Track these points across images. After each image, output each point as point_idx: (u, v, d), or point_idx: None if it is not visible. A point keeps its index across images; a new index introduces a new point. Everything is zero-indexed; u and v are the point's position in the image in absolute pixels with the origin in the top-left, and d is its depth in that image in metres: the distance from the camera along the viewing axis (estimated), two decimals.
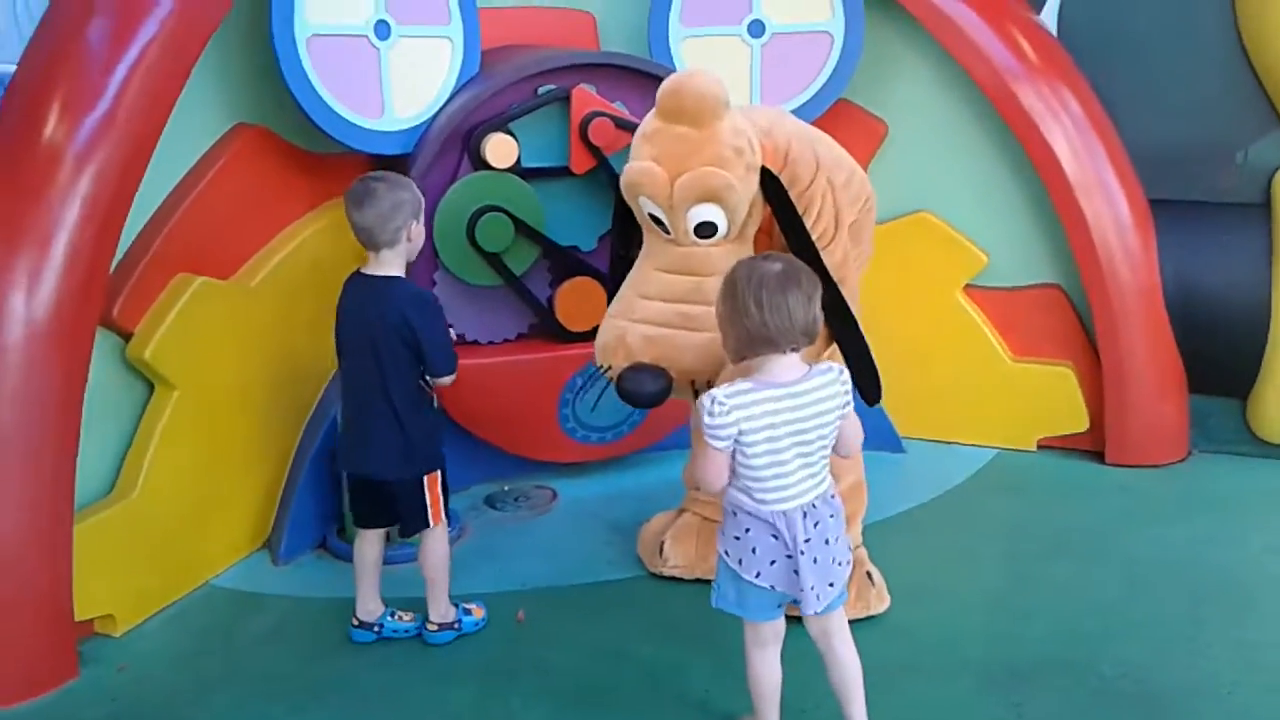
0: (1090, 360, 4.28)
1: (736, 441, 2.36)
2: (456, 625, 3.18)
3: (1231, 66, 4.10)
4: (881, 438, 4.27)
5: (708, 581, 2.59)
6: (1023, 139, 4.13)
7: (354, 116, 3.57)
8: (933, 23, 4.13)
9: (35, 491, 2.87)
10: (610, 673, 3.01)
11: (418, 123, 3.69)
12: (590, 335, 3.16)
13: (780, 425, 2.36)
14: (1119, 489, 4.08)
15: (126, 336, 3.22)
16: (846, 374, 2.47)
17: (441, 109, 3.69)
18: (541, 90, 3.72)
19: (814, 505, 2.43)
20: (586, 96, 3.72)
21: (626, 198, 2.99)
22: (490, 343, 3.91)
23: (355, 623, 3.18)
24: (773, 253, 2.61)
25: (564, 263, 3.87)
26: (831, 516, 2.47)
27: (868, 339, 2.92)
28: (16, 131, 2.96)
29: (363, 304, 3.03)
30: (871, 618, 3.16)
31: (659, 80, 2.99)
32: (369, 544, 3.18)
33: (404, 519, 3.14)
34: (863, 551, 3.30)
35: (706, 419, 2.36)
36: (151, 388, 3.31)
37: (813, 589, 2.42)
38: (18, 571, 2.85)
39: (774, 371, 2.39)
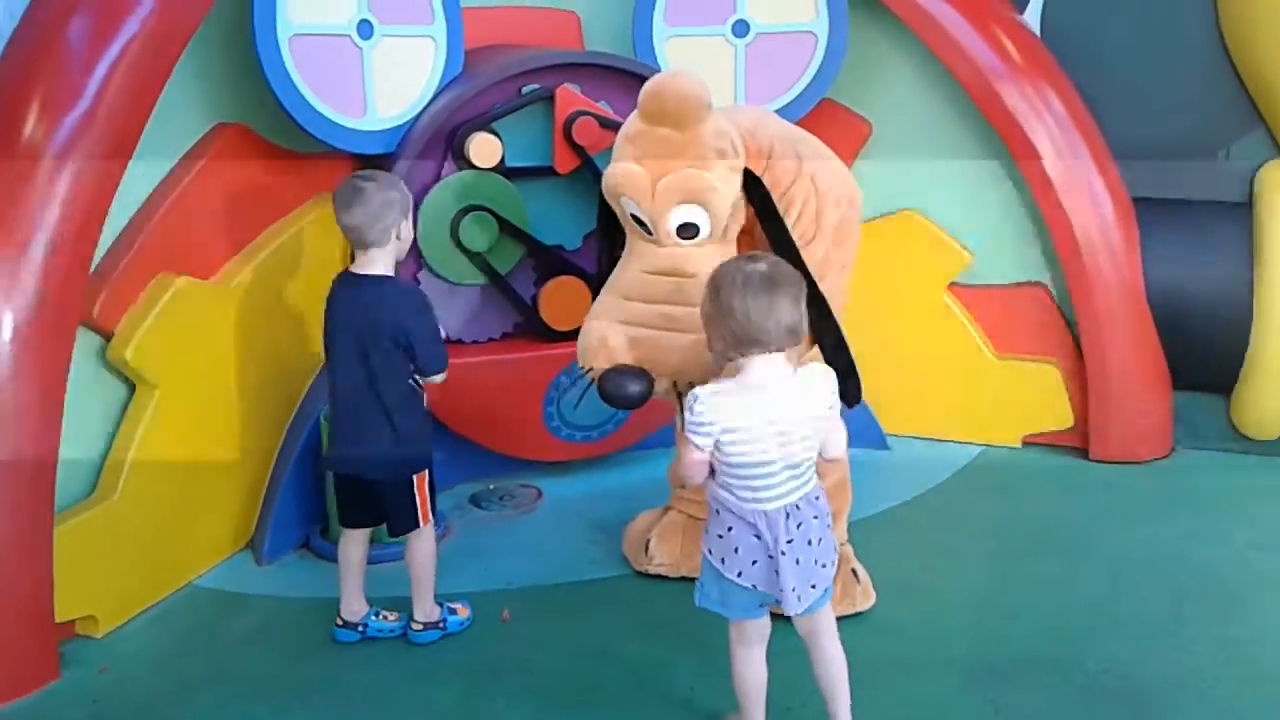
0: (1074, 357, 4.30)
1: (718, 440, 2.36)
2: (441, 625, 3.17)
3: (1213, 65, 4.11)
4: (866, 435, 4.28)
5: (693, 580, 2.59)
6: (1006, 138, 4.15)
7: (337, 116, 3.56)
8: (917, 23, 4.14)
9: (15, 493, 2.85)
10: (595, 671, 3.01)
11: (401, 122, 3.68)
12: (575, 334, 3.15)
13: (764, 425, 2.36)
14: (1103, 485, 4.10)
15: (107, 337, 3.20)
16: (833, 376, 2.47)
17: (425, 108, 3.68)
18: (525, 89, 3.72)
19: (797, 506, 2.43)
20: (571, 96, 3.72)
21: (608, 198, 2.98)
22: (475, 342, 3.90)
23: (339, 622, 3.16)
24: (758, 253, 2.61)
25: (548, 262, 3.86)
26: (816, 518, 2.46)
27: (852, 338, 2.92)
28: None
29: (353, 303, 3.02)
30: (857, 614, 3.16)
31: (643, 80, 2.99)
32: (354, 544, 3.17)
33: (393, 519, 3.13)
34: (848, 548, 3.30)
35: (689, 416, 2.36)
36: (132, 388, 3.29)
37: (793, 590, 2.41)
38: None
39: (759, 372, 2.38)
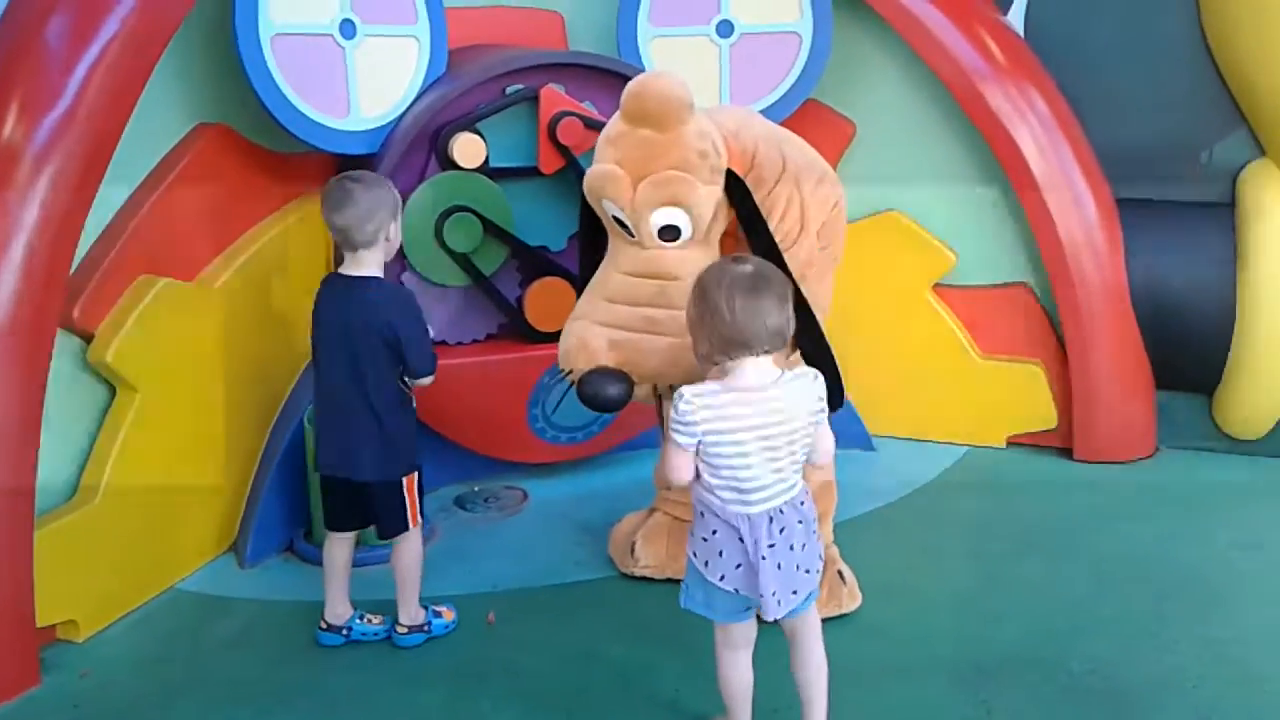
0: (1059, 358, 4.31)
1: (701, 442, 2.36)
2: (426, 628, 3.16)
3: (1196, 66, 4.12)
4: (852, 436, 4.28)
5: (679, 581, 2.58)
6: (990, 139, 4.16)
7: (319, 116, 3.54)
8: (901, 23, 4.14)
9: None
10: (581, 674, 3.00)
11: (384, 122, 3.66)
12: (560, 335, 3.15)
13: (749, 429, 2.35)
14: (1087, 485, 4.11)
15: (88, 339, 3.17)
16: (821, 380, 2.46)
17: (408, 108, 3.67)
18: (510, 90, 3.70)
19: (781, 511, 2.41)
20: (555, 96, 3.71)
21: (590, 200, 2.97)
22: (459, 343, 3.89)
23: (323, 626, 3.15)
24: (743, 255, 2.60)
25: (533, 263, 3.85)
26: (800, 522, 2.44)
27: (836, 339, 2.91)
28: None
29: (341, 305, 3.01)
30: (843, 616, 3.17)
31: (627, 80, 2.98)
32: (339, 547, 3.15)
33: (382, 521, 3.11)
34: (834, 550, 3.30)
35: (674, 414, 2.36)
36: (113, 390, 3.26)
37: (774, 595, 2.40)
38: None
39: (746, 374, 2.37)
